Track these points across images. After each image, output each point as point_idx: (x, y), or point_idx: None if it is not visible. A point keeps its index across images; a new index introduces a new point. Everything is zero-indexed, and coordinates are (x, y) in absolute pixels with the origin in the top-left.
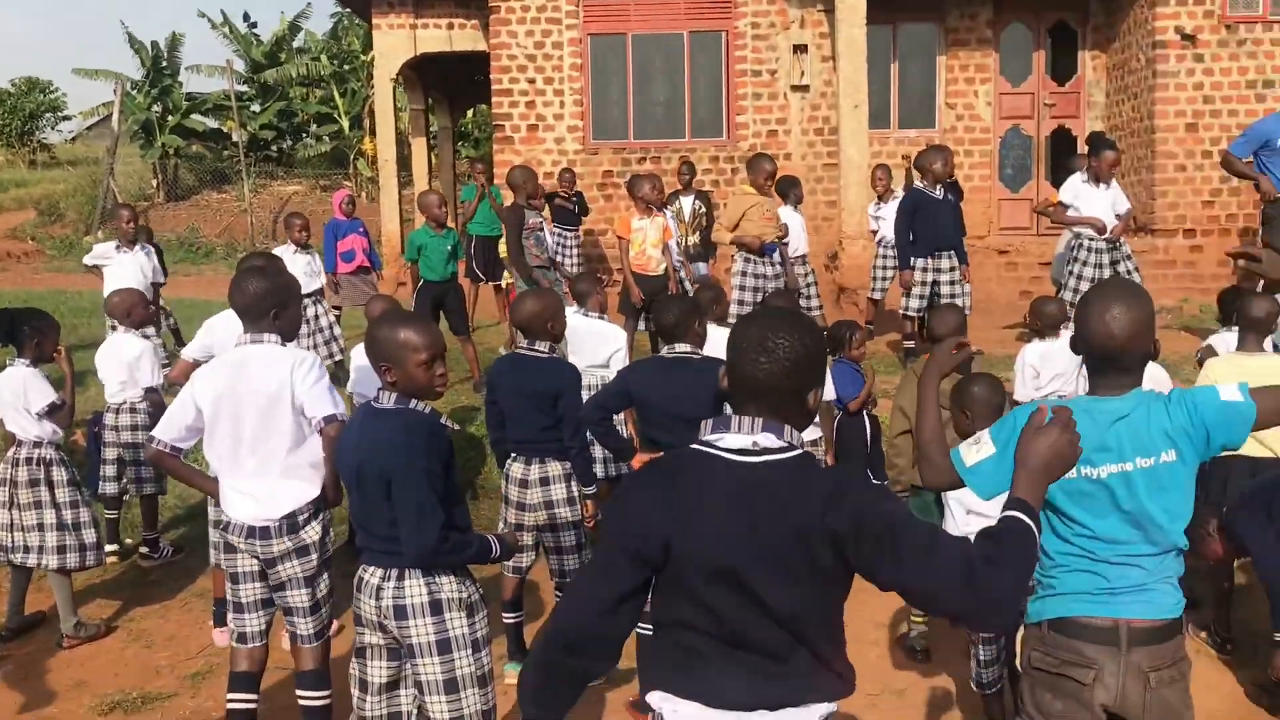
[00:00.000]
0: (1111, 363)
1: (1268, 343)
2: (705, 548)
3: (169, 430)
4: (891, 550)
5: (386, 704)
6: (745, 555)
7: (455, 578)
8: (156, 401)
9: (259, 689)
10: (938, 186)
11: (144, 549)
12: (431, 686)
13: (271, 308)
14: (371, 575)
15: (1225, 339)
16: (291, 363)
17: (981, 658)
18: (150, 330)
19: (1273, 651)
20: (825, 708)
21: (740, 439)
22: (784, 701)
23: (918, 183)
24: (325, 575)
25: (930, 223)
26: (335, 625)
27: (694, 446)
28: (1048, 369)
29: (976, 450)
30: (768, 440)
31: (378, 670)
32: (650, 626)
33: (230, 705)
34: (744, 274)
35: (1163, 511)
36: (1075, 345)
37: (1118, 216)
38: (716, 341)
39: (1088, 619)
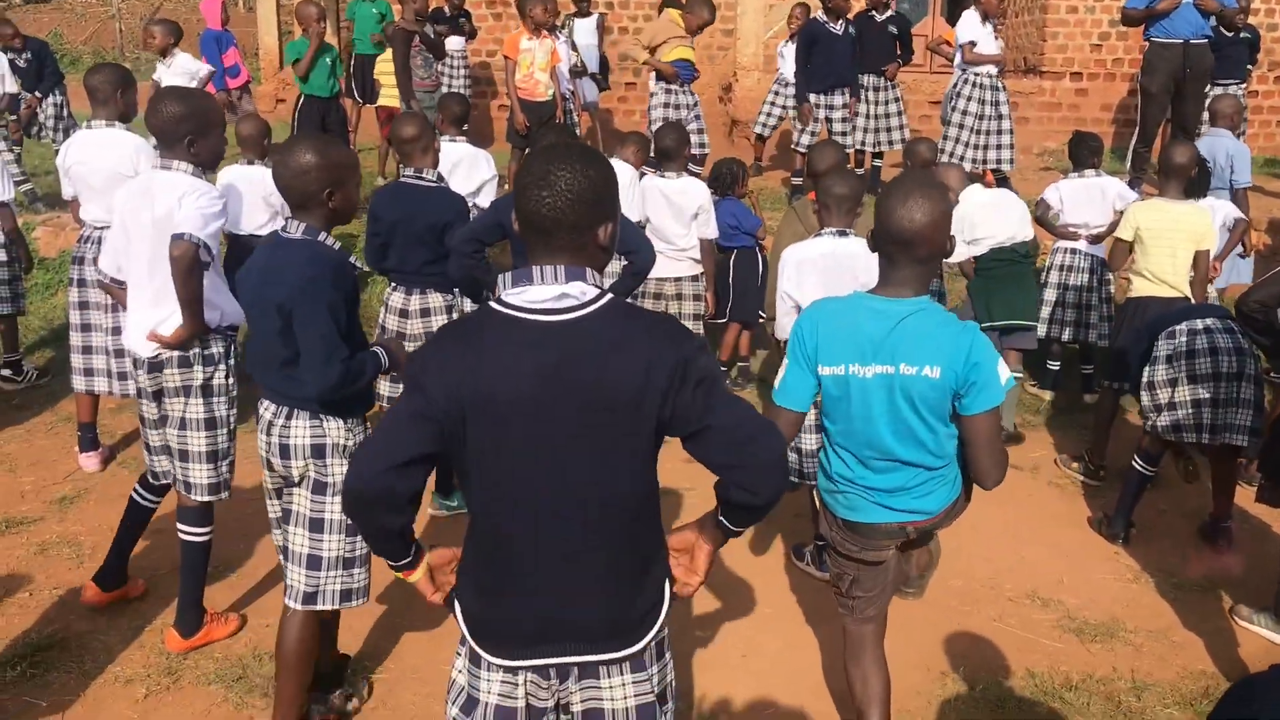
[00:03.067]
0: (905, 251)
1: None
2: (519, 412)
3: (109, 260)
4: (711, 394)
5: (284, 537)
6: (569, 421)
7: (343, 423)
8: (8, 217)
9: (162, 497)
10: (838, 20)
11: (6, 371)
12: (299, 519)
13: (186, 134)
14: (265, 410)
15: (1061, 189)
16: (183, 192)
17: (804, 447)
18: None
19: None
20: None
21: (546, 290)
22: (614, 626)
23: (817, 14)
24: (224, 429)
25: (825, 57)
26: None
27: (495, 306)
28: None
29: (780, 374)
30: (576, 290)
31: (273, 509)
32: None
33: (133, 496)
34: (666, 105)
35: (922, 424)
36: (872, 239)
37: None
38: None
39: (876, 524)
